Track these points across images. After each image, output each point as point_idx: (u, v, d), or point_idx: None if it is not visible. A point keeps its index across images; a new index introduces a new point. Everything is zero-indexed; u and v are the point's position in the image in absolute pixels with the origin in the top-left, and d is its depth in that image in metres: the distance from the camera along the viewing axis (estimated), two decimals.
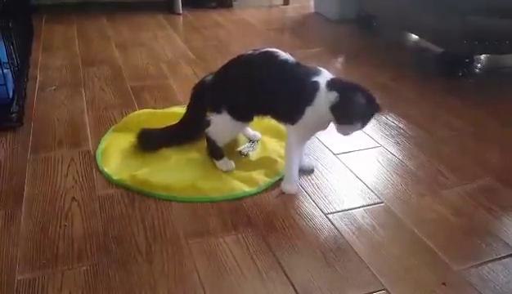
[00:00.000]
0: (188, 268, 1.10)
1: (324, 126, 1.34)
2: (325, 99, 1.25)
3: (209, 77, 1.46)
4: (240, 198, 1.34)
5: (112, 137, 1.64)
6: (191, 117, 1.52)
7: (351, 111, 1.25)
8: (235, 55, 1.42)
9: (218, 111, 1.40)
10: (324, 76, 1.30)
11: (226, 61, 1.45)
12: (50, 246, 1.15)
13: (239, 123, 1.42)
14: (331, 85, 1.26)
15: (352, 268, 1.11)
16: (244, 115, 1.41)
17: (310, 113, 1.28)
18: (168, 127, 1.55)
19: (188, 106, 1.53)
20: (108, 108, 1.87)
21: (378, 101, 1.27)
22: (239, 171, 1.45)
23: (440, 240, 1.20)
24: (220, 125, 1.42)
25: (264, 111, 1.40)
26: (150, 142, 1.53)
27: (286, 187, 1.38)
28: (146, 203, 1.32)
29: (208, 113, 1.43)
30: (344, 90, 1.24)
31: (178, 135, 1.55)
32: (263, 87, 1.33)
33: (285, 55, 1.35)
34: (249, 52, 1.39)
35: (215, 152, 1.47)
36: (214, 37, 2.84)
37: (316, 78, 1.28)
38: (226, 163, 1.46)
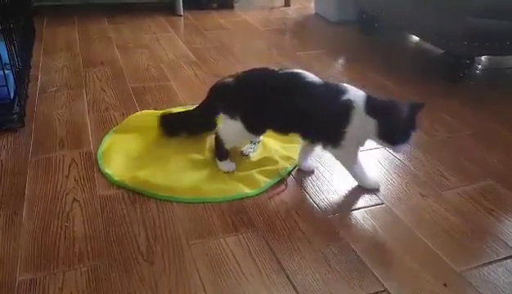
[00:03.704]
0: (189, 269, 1.10)
1: (362, 143, 1.37)
2: (365, 122, 1.28)
3: (230, 81, 1.42)
4: (241, 199, 1.35)
5: (113, 138, 1.64)
6: (202, 114, 1.52)
7: (394, 134, 1.28)
8: (260, 67, 1.43)
9: (232, 116, 1.39)
10: (353, 93, 1.31)
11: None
12: (51, 246, 1.16)
13: (249, 134, 1.41)
14: (369, 108, 1.28)
15: (353, 269, 1.11)
16: (255, 128, 1.41)
17: (349, 134, 1.30)
18: (185, 112, 1.59)
19: (202, 103, 1.52)
20: (109, 109, 1.88)
21: (416, 110, 1.28)
22: (240, 172, 1.45)
23: (441, 241, 1.20)
24: (231, 129, 1.42)
25: (288, 129, 1.40)
26: (171, 127, 1.58)
27: (367, 185, 1.42)
28: (147, 204, 1.32)
29: (221, 114, 1.42)
30: (383, 115, 1.27)
31: (195, 122, 1.57)
32: (287, 107, 1.33)
33: (311, 76, 1.34)
34: (276, 69, 1.38)
35: (220, 152, 1.46)
36: (215, 39, 2.85)
37: (346, 96, 1.30)
38: (227, 165, 1.46)
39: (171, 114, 1.64)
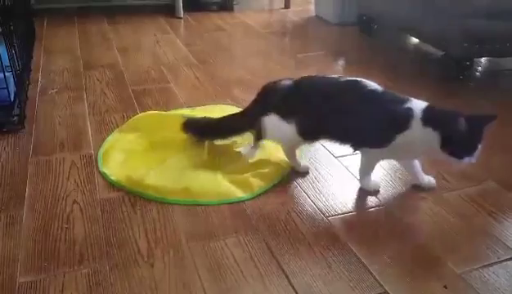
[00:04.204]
0: (189, 271, 1.10)
1: (414, 156, 1.34)
2: (421, 133, 1.25)
3: (287, 83, 1.39)
4: (241, 202, 1.34)
5: (116, 138, 1.64)
6: (251, 112, 1.47)
7: (458, 147, 1.24)
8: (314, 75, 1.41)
9: (287, 119, 1.37)
10: (415, 103, 1.28)
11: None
12: (51, 248, 1.16)
13: (300, 138, 1.39)
14: (427, 119, 1.24)
15: (353, 271, 1.10)
16: (310, 135, 1.39)
17: (400, 140, 1.27)
18: (220, 119, 1.54)
19: (255, 101, 1.47)
20: (109, 111, 1.88)
21: (484, 122, 1.25)
22: (235, 175, 1.44)
23: (441, 243, 1.20)
24: (281, 131, 1.40)
25: (340, 138, 1.37)
26: (200, 132, 1.55)
27: (368, 187, 1.42)
28: (148, 207, 1.32)
29: (272, 115, 1.40)
30: (444, 127, 1.23)
31: (229, 126, 1.53)
32: (346, 115, 1.31)
33: (372, 84, 1.32)
34: (335, 76, 1.37)
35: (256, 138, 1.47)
36: (215, 41, 2.85)
37: (408, 105, 1.27)
38: (250, 152, 1.49)
39: (203, 120, 1.59)
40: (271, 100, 1.41)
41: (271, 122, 1.40)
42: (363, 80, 1.33)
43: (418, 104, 1.28)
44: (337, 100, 1.32)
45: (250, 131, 1.51)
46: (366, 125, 1.30)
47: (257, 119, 1.43)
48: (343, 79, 1.36)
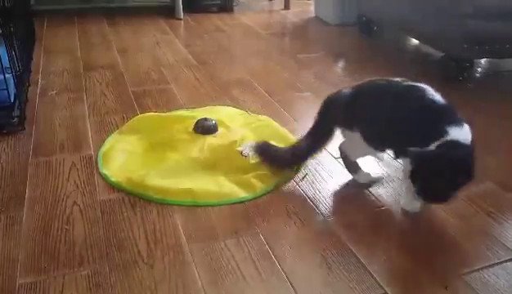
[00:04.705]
0: (189, 272, 1.10)
1: None
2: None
3: (347, 92, 1.37)
4: (240, 203, 1.34)
5: (116, 139, 1.65)
6: (320, 128, 1.44)
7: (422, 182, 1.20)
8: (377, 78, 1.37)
9: (350, 128, 1.36)
10: (461, 131, 1.22)
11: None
12: (51, 250, 1.16)
13: (369, 147, 1.37)
14: (438, 147, 1.19)
15: (353, 272, 1.10)
16: (377, 143, 1.36)
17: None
18: (295, 146, 1.49)
19: (318, 117, 1.44)
20: (109, 112, 1.88)
21: (468, 175, 1.19)
22: (236, 175, 1.44)
23: (441, 244, 1.21)
24: (352, 142, 1.39)
25: (399, 147, 1.32)
26: (278, 161, 1.48)
27: (407, 207, 1.33)
28: (148, 208, 1.32)
29: (336, 126, 1.40)
30: (427, 158, 1.19)
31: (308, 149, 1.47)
32: (402, 123, 1.26)
33: (433, 93, 1.29)
34: (397, 80, 1.34)
35: (349, 166, 1.45)
36: (215, 42, 2.85)
37: (449, 128, 1.21)
38: (362, 176, 1.44)
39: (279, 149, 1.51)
40: (334, 112, 1.39)
41: (346, 140, 1.41)
42: (424, 87, 1.29)
43: (460, 133, 1.22)
44: (393, 106, 1.29)
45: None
46: (407, 131, 1.25)
47: (328, 136, 1.43)
48: (404, 84, 1.32)
